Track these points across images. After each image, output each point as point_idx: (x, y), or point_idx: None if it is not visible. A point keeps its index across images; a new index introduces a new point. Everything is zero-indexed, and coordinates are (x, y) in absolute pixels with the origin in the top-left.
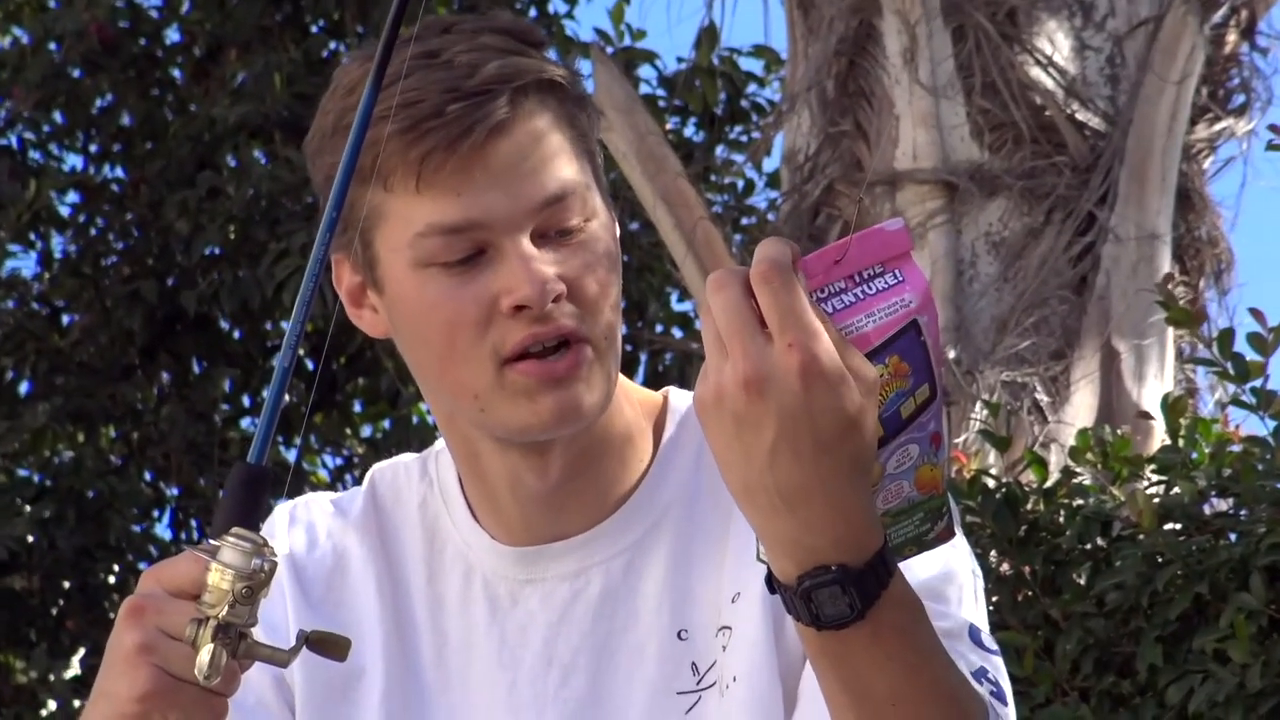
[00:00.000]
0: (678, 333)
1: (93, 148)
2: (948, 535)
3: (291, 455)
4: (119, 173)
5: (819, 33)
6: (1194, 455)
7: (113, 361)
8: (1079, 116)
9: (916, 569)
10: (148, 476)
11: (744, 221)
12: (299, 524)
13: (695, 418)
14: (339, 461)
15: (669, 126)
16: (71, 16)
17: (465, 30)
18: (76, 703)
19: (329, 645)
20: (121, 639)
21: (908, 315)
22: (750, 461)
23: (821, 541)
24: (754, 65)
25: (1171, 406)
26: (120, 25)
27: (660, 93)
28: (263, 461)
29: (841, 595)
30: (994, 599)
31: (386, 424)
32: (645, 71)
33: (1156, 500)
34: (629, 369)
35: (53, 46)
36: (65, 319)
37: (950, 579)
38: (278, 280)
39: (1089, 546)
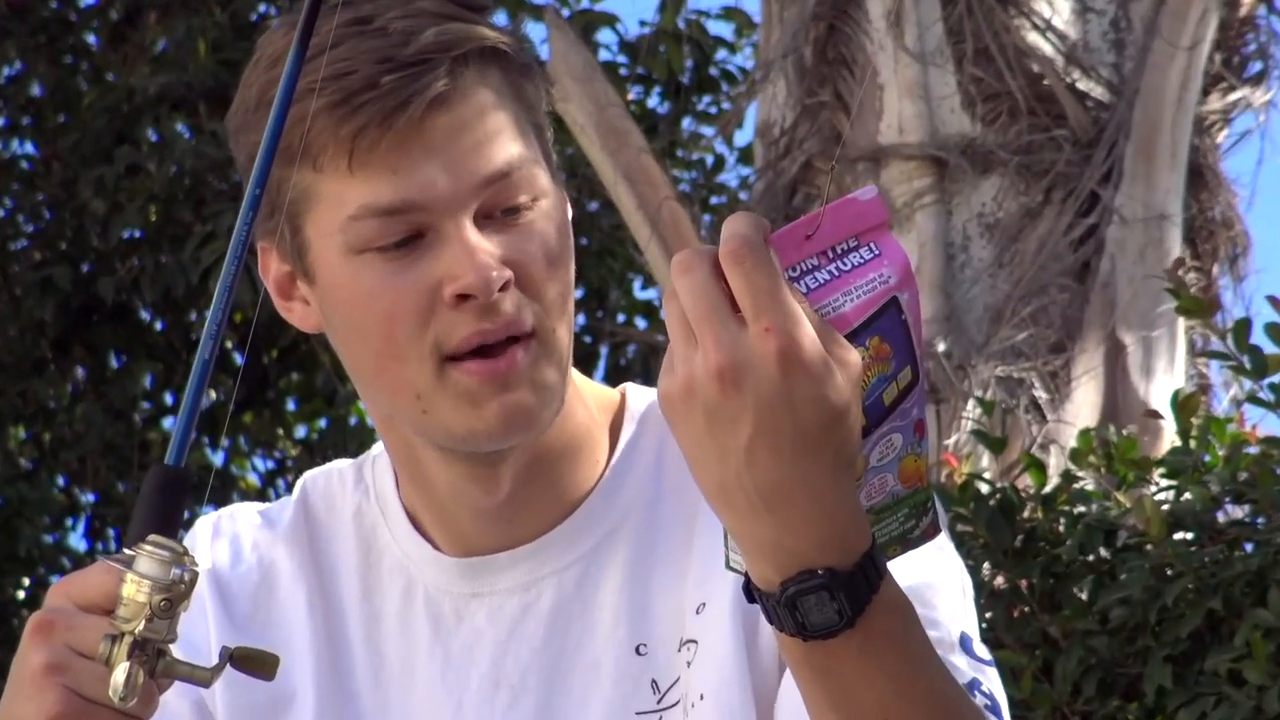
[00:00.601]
0: (641, 323)
1: None
2: (933, 532)
3: (218, 458)
4: (28, 148)
5: None
6: (1206, 458)
7: (22, 355)
8: (1080, 86)
9: (900, 573)
10: (61, 481)
11: (713, 201)
12: (223, 536)
13: (656, 417)
14: (270, 465)
15: (631, 97)
16: None
17: None
18: None
19: (255, 663)
20: (28, 658)
21: (887, 292)
22: (725, 460)
23: (805, 544)
24: (724, 29)
25: (1182, 404)
26: None
27: (622, 59)
28: (182, 463)
29: (829, 601)
30: (988, 615)
31: (322, 424)
32: (605, 36)
33: (1165, 507)
34: (587, 363)
35: None
36: None
37: (937, 583)
38: (203, 266)
39: (1091, 558)
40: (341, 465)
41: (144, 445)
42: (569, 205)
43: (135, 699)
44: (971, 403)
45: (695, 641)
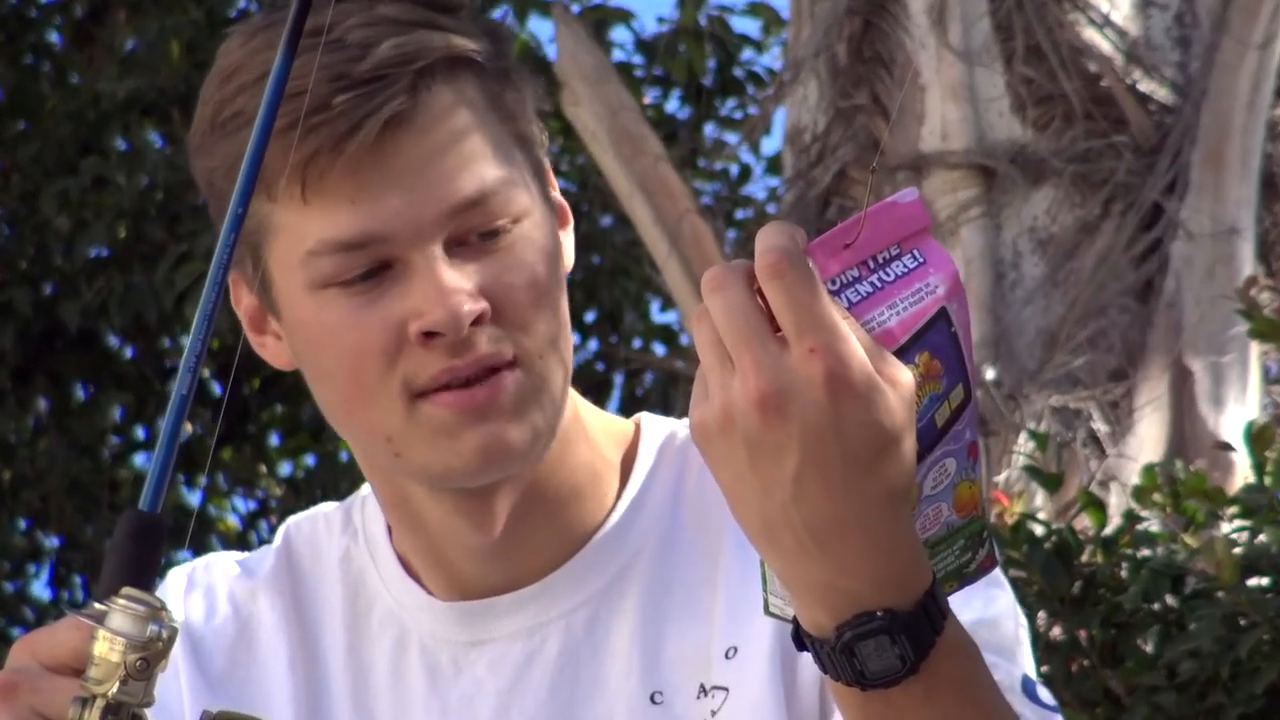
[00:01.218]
0: (659, 349)
1: None
2: (990, 564)
3: (196, 498)
4: None
5: None
6: None
7: None
8: (1142, 87)
9: (955, 610)
10: (22, 524)
11: (739, 214)
12: (197, 588)
13: (673, 448)
14: (252, 505)
15: (648, 100)
16: None
17: None
18: None
19: None
20: None
21: (935, 303)
22: (770, 495)
23: (861, 584)
24: (750, 26)
25: (1256, 436)
26: None
27: (637, 60)
28: (158, 508)
29: (890, 646)
30: (1044, 669)
31: (310, 460)
32: (619, 34)
33: (1238, 550)
34: (600, 392)
35: None
36: None
37: (996, 622)
38: (178, 289)
39: (1157, 606)
40: (328, 509)
41: (113, 484)
42: (569, 221)
43: None
44: (1024, 436)
45: (725, 689)
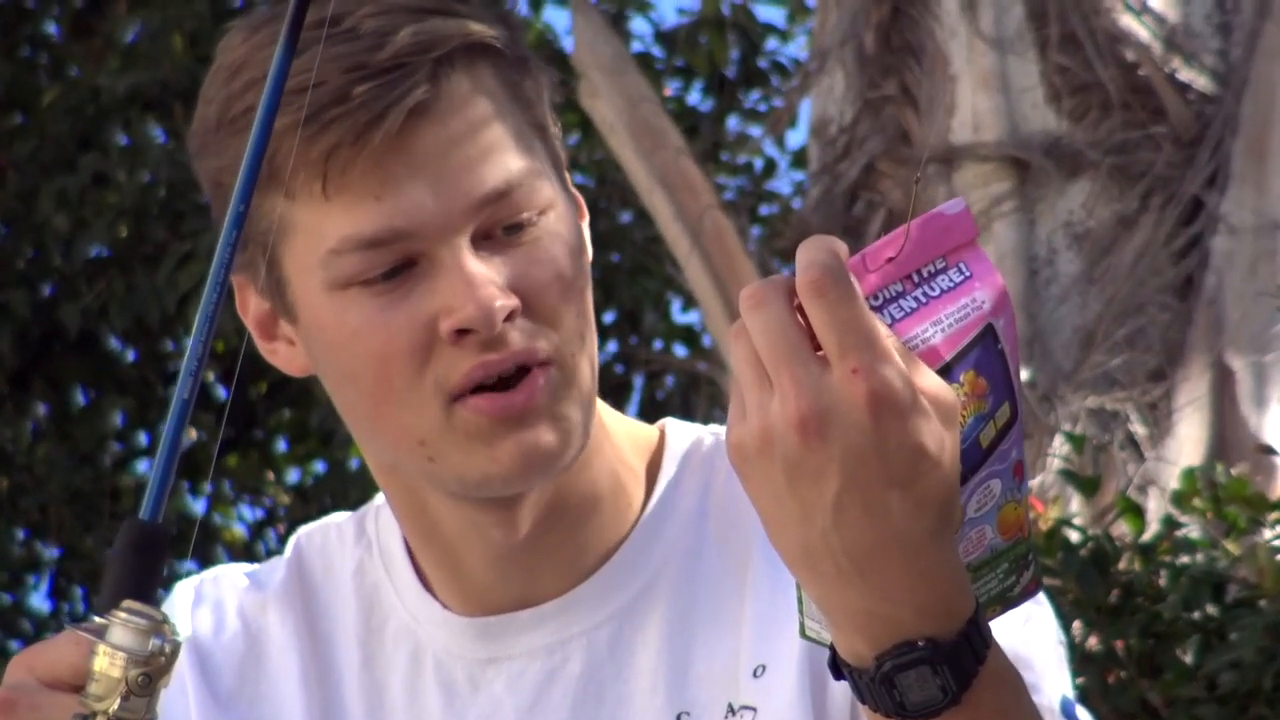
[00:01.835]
0: (680, 350)
1: None
2: (1035, 588)
3: (200, 506)
4: None
5: None
6: None
7: None
8: (1181, 76)
9: (994, 631)
10: (20, 534)
11: (763, 210)
12: (205, 602)
13: (699, 456)
14: (259, 514)
15: (669, 92)
16: None
17: None
18: None
19: None
20: None
21: (981, 319)
22: (810, 520)
23: (902, 612)
24: (775, 15)
25: None
26: None
27: (657, 51)
28: (159, 517)
29: (932, 677)
30: (1080, 681)
31: (319, 467)
32: (639, 24)
33: None
34: (620, 395)
35: None
36: None
37: (1035, 642)
38: (181, 290)
39: (1197, 616)
40: (340, 519)
41: (114, 492)
42: (585, 213)
43: None
44: (1059, 438)
45: (753, 709)
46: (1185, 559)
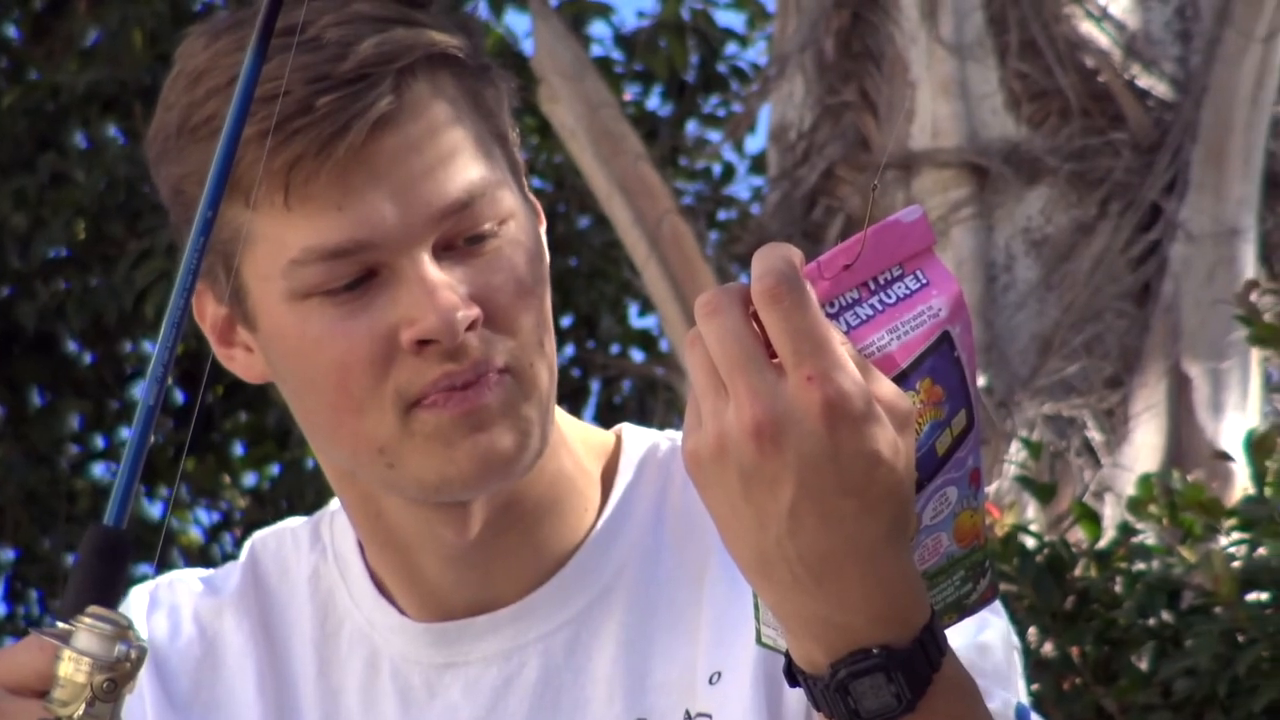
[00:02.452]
0: (637, 355)
1: None
2: (991, 595)
3: (157, 510)
4: None
5: None
6: None
7: None
8: (1141, 83)
9: (948, 635)
10: None
11: (721, 215)
12: (161, 607)
13: (656, 461)
14: (216, 517)
15: (628, 97)
16: None
17: None
18: None
19: None
20: None
21: (938, 327)
22: (765, 527)
23: (857, 619)
24: (734, 20)
25: (1256, 445)
26: None
27: (617, 55)
28: (124, 523)
29: (886, 684)
30: (1035, 687)
31: (275, 470)
32: (598, 29)
33: (1237, 564)
34: (576, 400)
35: None
36: None
37: (989, 646)
38: (138, 288)
39: (1153, 622)
40: (295, 524)
41: (71, 495)
42: (542, 219)
43: None
44: (1015, 445)
45: (709, 716)
46: (1141, 565)
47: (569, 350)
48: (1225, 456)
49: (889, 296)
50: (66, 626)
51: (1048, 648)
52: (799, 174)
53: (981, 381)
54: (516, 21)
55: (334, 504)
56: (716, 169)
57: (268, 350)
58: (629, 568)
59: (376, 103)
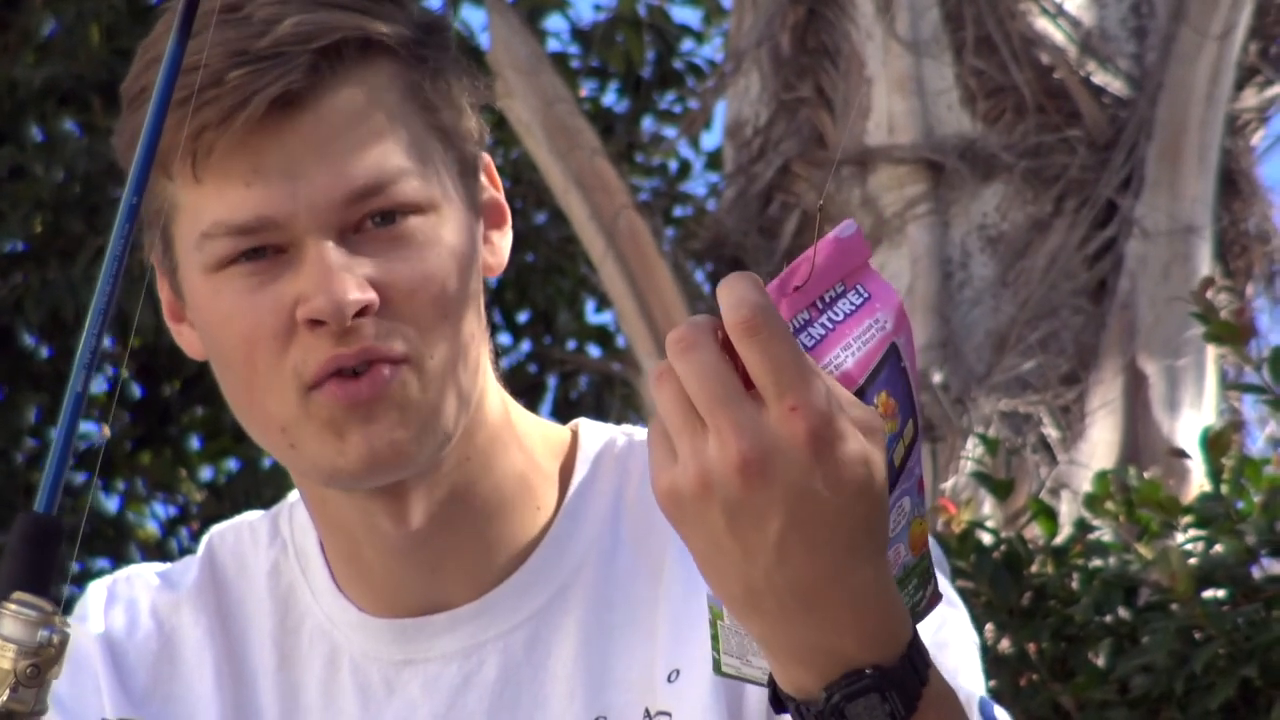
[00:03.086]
0: (594, 351)
1: None
2: (937, 600)
3: (114, 504)
4: None
5: None
6: (1240, 504)
7: None
8: (1096, 80)
9: None
10: None
11: (677, 211)
12: (118, 602)
13: (613, 456)
14: (173, 511)
15: (584, 92)
16: None
17: None
18: None
19: None
20: None
21: (886, 340)
22: (753, 560)
23: (848, 642)
24: (690, 16)
25: (1212, 443)
26: None
27: (573, 49)
28: (54, 510)
29: (881, 704)
30: (991, 684)
31: (233, 465)
32: (554, 23)
33: (1193, 561)
34: (534, 395)
35: None
36: None
37: (949, 642)
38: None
39: (1109, 619)
40: (253, 517)
41: (28, 489)
42: (504, 220)
43: None
44: (972, 441)
45: (668, 714)
46: (1097, 562)
47: (526, 346)
48: (1181, 454)
49: (836, 314)
50: None
51: (1004, 644)
52: (755, 170)
53: (938, 379)
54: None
55: (293, 496)
56: (673, 165)
57: (196, 323)
58: (587, 565)
59: (281, 79)
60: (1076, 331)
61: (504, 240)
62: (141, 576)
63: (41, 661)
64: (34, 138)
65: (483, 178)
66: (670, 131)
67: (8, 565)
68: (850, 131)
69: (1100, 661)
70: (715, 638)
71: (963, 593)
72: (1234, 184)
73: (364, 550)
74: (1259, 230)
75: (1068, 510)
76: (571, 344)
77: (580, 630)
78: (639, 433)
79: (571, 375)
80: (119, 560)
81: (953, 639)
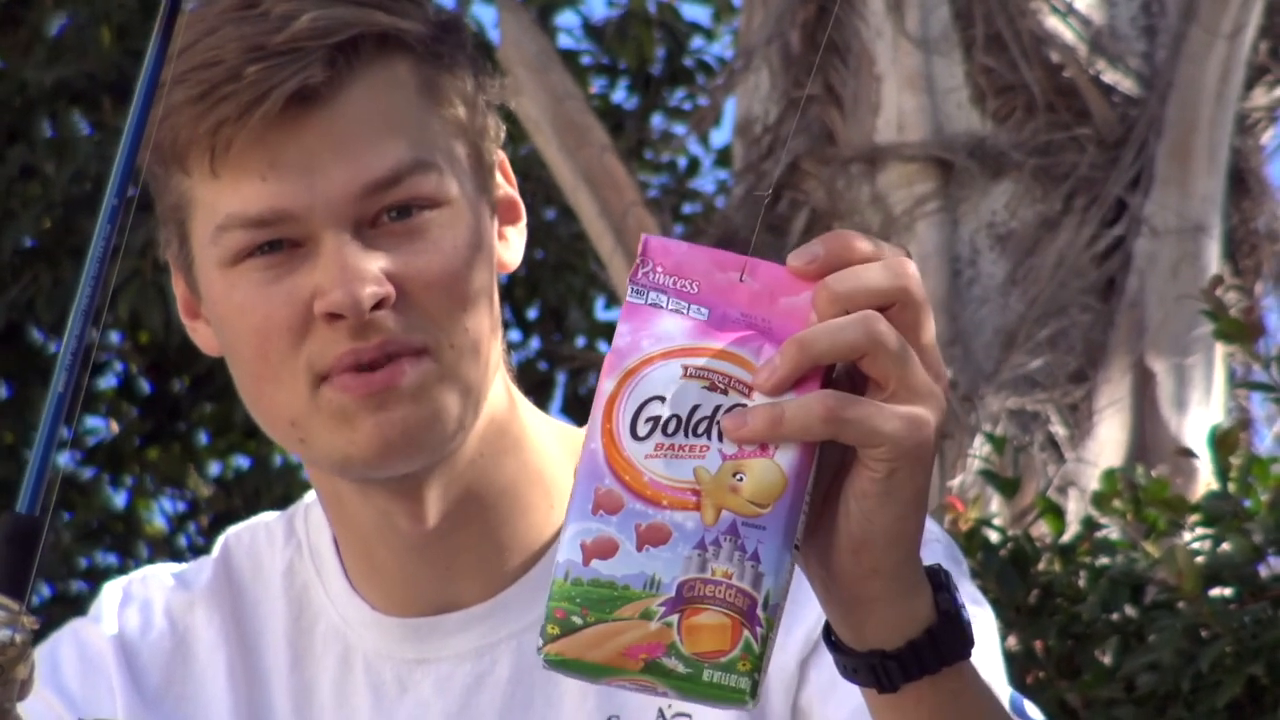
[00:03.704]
0: (604, 347)
1: None
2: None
3: (122, 499)
4: None
5: None
6: (1247, 503)
7: None
8: (1106, 78)
9: None
10: None
11: (686, 209)
12: (133, 602)
13: None
14: (181, 507)
15: (595, 89)
16: None
17: None
18: None
19: None
20: None
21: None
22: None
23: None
24: (700, 13)
25: (1220, 442)
26: None
27: (585, 47)
28: (35, 509)
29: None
30: None
31: (244, 463)
32: (566, 19)
33: (1201, 559)
34: (543, 392)
35: None
36: None
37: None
38: (111, 285)
39: (1116, 617)
40: (269, 518)
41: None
42: (519, 216)
43: None
44: (980, 439)
45: (687, 715)
46: (1105, 560)
47: (535, 343)
48: (1189, 453)
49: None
50: None
51: (1011, 642)
52: (764, 167)
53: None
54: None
55: (309, 496)
56: (682, 162)
57: (211, 318)
58: None
59: (299, 74)
60: (1085, 330)
61: (518, 237)
62: (156, 577)
63: (5, 660)
64: (45, 137)
65: (498, 175)
66: (680, 129)
67: None
68: (860, 129)
69: (1107, 659)
70: (546, 620)
71: None
72: (1244, 183)
73: (378, 549)
74: (1268, 229)
75: (1075, 508)
76: (581, 341)
77: None
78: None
79: (581, 372)
80: (127, 556)
81: (985, 637)
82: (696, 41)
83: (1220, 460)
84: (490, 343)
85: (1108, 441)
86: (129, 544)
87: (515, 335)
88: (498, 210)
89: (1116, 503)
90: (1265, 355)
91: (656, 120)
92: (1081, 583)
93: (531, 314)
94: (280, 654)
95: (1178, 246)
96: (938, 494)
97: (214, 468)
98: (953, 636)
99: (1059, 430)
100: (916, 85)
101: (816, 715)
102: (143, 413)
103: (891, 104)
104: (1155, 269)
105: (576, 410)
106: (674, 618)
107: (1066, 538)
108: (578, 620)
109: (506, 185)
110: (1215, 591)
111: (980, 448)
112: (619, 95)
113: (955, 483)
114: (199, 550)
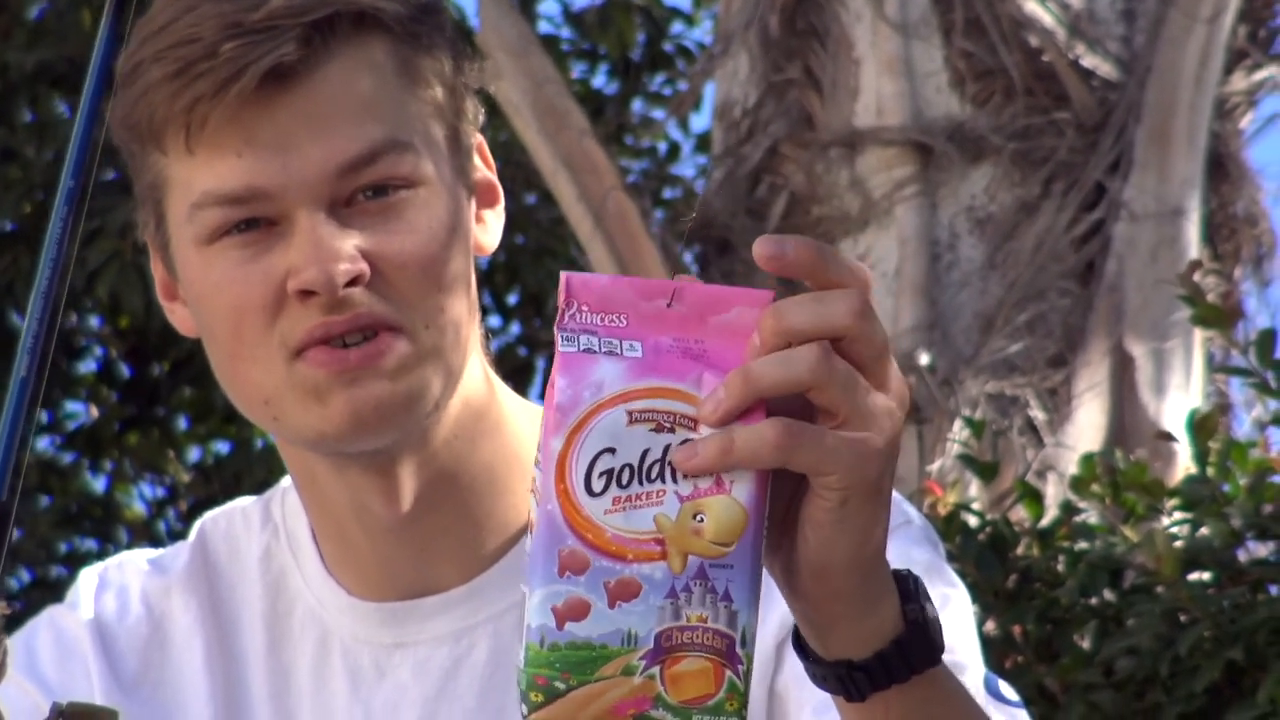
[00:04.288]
0: None
1: None
2: None
3: (101, 484)
4: None
5: None
6: (1226, 487)
7: None
8: (1085, 62)
9: None
10: None
11: (666, 193)
12: (110, 587)
13: None
14: (160, 492)
15: (574, 74)
16: None
17: None
18: None
19: None
20: None
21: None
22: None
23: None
24: None
25: (1198, 426)
26: None
27: (564, 33)
28: (3, 495)
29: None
30: None
31: (224, 448)
32: (546, 5)
33: (1179, 544)
34: (522, 377)
35: None
36: None
37: (952, 624)
38: (89, 267)
39: (1094, 601)
40: (245, 503)
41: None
42: (496, 199)
43: None
44: (958, 423)
45: None
46: (1083, 545)
47: (515, 328)
48: (1168, 437)
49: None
50: None
51: (990, 626)
52: (743, 152)
53: (925, 360)
54: None
55: (285, 481)
56: (662, 147)
57: (187, 298)
58: None
59: (274, 52)
60: (1064, 314)
61: (496, 220)
62: (133, 562)
63: None
64: (25, 120)
65: (476, 158)
66: (659, 113)
67: None
68: (839, 113)
69: (1086, 644)
70: (525, 666)
71: None
72: (1222, 167)
73: (353, 532)
74: (1247, 213)
75: (1054, 493)
76: None
77: None
78: None
79: None
80: (106, 541)
81: (958, 617)
82: (676, 26)
83: (1199, 445)
84: (467, 324)
85: (1086, 426)
86: (108, 529)
87: (495, 320)
88: (475, 193)
89: (1095, 487)
90: (1243, 340)
91: (636, 105)
92: (1060, 567)
93: (511, 299)
94: (257, 638)
95: (1156, 231)
96: (916, 478)
97: (194, 453)
98: (922, 646)
99: (1038, 414)
100: (895, 69)
101: (793, 699)
102: (122, 397)
103: (870, 88)
104: (1134, 253)
105: None
106: (656, 669)
107: (1045, 522)
108: (560, 685)
109: (484, 168)
110: (1194, 576)
111: (959, 432)
112: (599, 80)
113: (934, 467)
114: (178, 535)
